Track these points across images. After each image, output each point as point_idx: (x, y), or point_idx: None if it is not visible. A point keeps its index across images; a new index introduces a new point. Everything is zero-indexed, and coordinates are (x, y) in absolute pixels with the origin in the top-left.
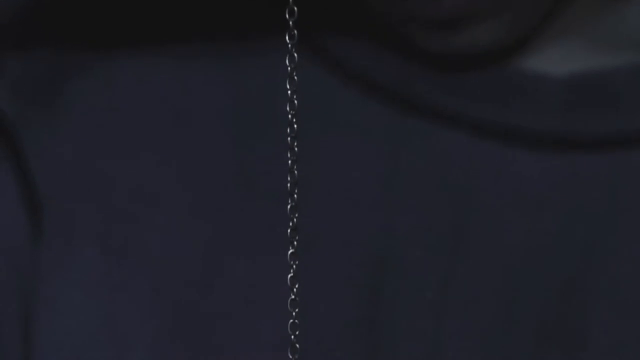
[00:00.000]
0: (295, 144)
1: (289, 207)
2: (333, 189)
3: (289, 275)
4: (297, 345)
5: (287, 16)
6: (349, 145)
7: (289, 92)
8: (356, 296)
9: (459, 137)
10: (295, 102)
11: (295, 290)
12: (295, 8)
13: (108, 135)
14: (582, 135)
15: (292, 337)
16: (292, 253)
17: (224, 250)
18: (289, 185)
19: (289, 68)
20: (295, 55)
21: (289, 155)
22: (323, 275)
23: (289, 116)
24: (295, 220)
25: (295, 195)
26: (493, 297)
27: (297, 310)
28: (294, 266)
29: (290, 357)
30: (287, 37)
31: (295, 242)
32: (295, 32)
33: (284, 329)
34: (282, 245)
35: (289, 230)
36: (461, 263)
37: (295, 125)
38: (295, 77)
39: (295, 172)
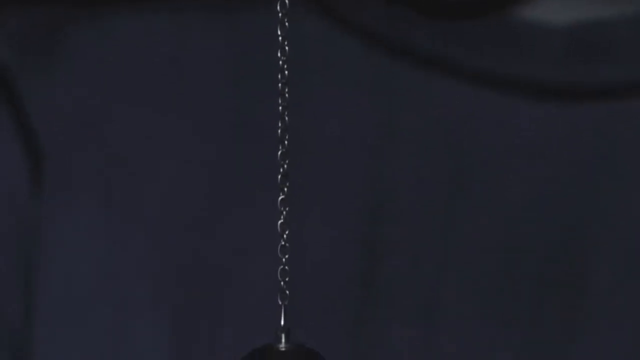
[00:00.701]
0: (286, 90)
1: (279, 153)
2: (327, 136)
3: (279, 222)
4: (287, 292)
5: None
6: (343, 93)
7: (280, 38)
8: (350, 244)
9: (458, 87)
10: (287, 48)
11: (285, 236)
12: None
13: (107, 85)
14: (582, 85)
15: (282, 283)
16: (282, 199)
17: (221, 197)
18: (279, 131)
19: (280, 14)
20: (287, 1)
21: (279, 101)
22: (315, 222)
23: (280, 62)
24: (285, 167)
25: (286, 142)
26: (493, 246)
27: (286, 256)
28: (284, 212)
29: (280, 302)
30: None
31: (285, 189)
32: None
33: (276, 275)
34: (274, 192)
35: (279, 177)
36: (460, 213)
37: (286, 72)
38: (287, 23)
39: (286, 118)
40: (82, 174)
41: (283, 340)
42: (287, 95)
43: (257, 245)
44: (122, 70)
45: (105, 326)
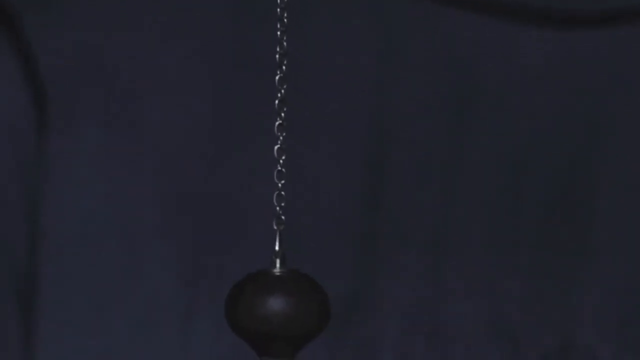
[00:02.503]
0: (285, 14)
1: (277, 78)
2: (329, 63)
3: (276, 147)
4: (283, 217)
5: None
6: (345, 21)
7: None
8: (355, 170)
9: (464, 14)
10: None
11: (281, 162)
12: None
13: (110, 18)
14: (585, 12)
15: (277, 208)
16: (279, 124)
17: (223, 125)
18: (277, 56)
19: None
20: None
21: (278, 26)
22: (320, 147)
23: None
24: (282, 92)
25: (284, 67)
26: (499, 172)
27: (282, 182)
28: (281, 138)
29: (275, 227)
30: None
31: (282, 114)
32: None
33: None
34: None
35: (276, 102)
36: (466, 138)
37: None
38: None
39: (285, 43)
40: (85, 106)
41: (278, 265)
42: (285, 20)
43: (262, 173)
44: (124, 4)
45: (112, 256)
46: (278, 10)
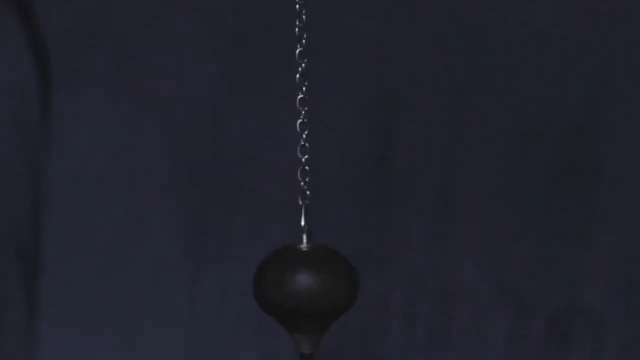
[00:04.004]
0: None
1: (297, 52)
2: (342, 28)
3: (298, 122)
4: (308, 193)
5: None
6: None
7: None
8: (367, 134)
9: None
10: None
11: (304, 137)
12: None
13: None
14: None
15: (302, 183)
16: (301, 99)
17: (234, 91)
18: (297, 30)
19: None
20: None
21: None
22: (322, 112)
23: None
24: (304, 65)
25: (304, 41)
26: (506, 134)
27: (306, 157)
28: (303, 112)
29: (301, 203)
30: None
31: (304, 89)
32: None
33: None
34: (292, 90)
35: (297, 76)
36: (473, 101)
37: None
38: None
39: (304, 16)
40: (89, 68)
41: (305, 240)
42: None
43: (271, 135)
44: None
45: (117, 217)
46: None
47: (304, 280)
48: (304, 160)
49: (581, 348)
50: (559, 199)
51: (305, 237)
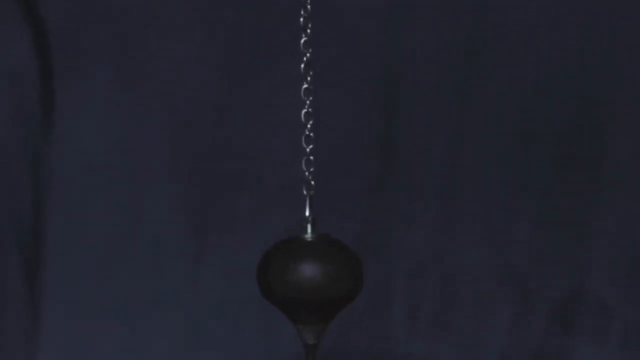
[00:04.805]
0: None
1: (302, 41)
2: (340, 9)
3: (303, 111)
4: (312, 183)
5: None
6: None
7: None
8: (372, 117)
9: None
10: None
11: (309, 126)
12: None
13: None
14: None
15: (307, 173)
16: (305, 89)
17: (237, 76)
18: (301, 19)
19: None
20: None
21: None
22: (326, 95)
23: None
24: (308, 55)
25: (309, 30)
26: (509, 116)
27: (311, 146)
28: (308, 102)
29: (305, 193)
30: None
31: (309, 78)
32: None
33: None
34: (296, 79)
35: (302, 65)
36: (477, 83)
37: None
38: None
39: (309, 6)
40: (92, 53)
41: (309, 230)
42: None
43: (272, 119)
44: None
45: (120, 202)
46: None
47: (308, 270)
48: (308, 150)
49: (584, 332)
50: (562, 184)
51: (309, 226)
